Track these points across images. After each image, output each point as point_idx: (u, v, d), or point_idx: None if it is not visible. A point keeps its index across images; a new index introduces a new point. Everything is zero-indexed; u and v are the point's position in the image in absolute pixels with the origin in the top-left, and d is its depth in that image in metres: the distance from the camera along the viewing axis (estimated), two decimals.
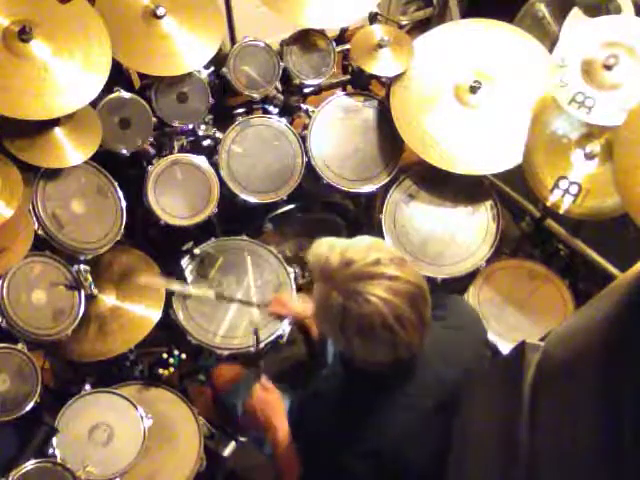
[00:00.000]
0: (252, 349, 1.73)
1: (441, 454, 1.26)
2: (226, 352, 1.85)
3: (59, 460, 1.55)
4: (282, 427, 1.42)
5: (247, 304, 1.89)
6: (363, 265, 1.10)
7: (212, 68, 1.95)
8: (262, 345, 1.74)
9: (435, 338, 1.22)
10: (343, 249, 1.14)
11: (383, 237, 1.99)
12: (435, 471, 1.25)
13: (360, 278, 1.09)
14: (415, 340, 1.14)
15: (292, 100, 2.13)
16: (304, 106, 2.15)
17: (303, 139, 2.04)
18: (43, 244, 1.63)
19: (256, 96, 2.02)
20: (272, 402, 1.48)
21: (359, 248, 1.14)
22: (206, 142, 2.06)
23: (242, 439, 1.86)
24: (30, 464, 1.49)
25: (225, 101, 2.22)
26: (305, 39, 2.03)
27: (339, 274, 1.11)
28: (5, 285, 1.53)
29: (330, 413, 1.31)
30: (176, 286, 1.88)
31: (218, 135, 2.02)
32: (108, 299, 1.84)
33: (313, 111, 2.07)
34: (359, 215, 2.29)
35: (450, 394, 1.27)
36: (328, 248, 1.15)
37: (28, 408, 1.52)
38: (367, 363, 1.20)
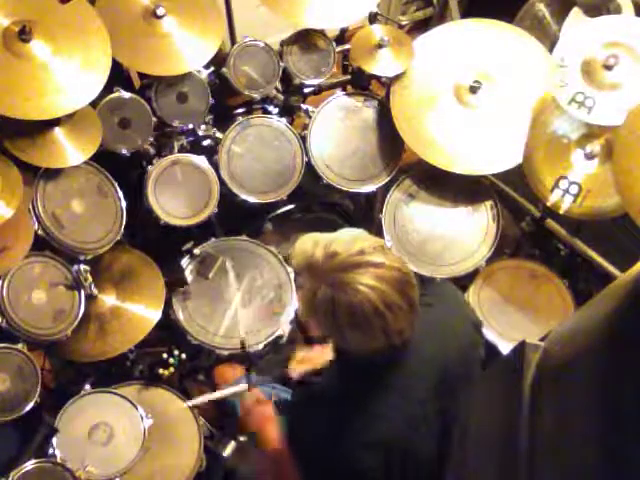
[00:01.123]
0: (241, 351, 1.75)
1: (443, 437, 1.26)
2: (226, 352, 1.85)
3: (59, 460, 1.55)
4: (274, 437, 1.44)
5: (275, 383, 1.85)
6: (348, 256, 1.11)
7: (212, 68, 1.95)
8: (250, 350, 1.75)
9: (424, 322, 1.22)
10: (327, 243, 1.14)
11: (383, 237, 1.99)
12: (438, 463, 1.26)
13: (346, 269, 1.10)
14: (406, 325, 1.15)
15: (292, 100, 2.13)
16: (304, 106, 2.14)
17: (303, 139, 2.04)
18: (43, 244, 1.63)
19: (256, 96, 2.02)
20: (263, 414, 1.49)
21: (342, 240, 1.15)
22: (206, 142, 2.06)
23: (242, 439, 1.86)
24: (30, 464, 1.49)
25: (225, 101, 2.22)
26: (305, 39, 2.03)
27: (325, 267, 1.11)
28: (5, 285, 1.53)
29: (330, 409, 1.31)
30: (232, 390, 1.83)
31: (218, 135, 2.02)
32: (108, 299, 1.84)
33: (313, 111, 2.07)
34: (359, 215, 2.29)
35: (445, 376, 1.28)
36: (312, 244, 1.16)
37: (28, 408, 1.52)
38: (361, 353, 1.20)
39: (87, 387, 1.74)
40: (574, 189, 1.78)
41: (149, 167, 1.90)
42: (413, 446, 1.25)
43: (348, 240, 1.14)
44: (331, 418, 1.29)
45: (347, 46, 2.11)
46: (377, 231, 2.03)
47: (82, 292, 1.69)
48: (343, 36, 2.21)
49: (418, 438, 1.26)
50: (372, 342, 1.15)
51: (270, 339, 1.87)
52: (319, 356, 1.67)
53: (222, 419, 1.96)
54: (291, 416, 1.49)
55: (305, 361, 1.71)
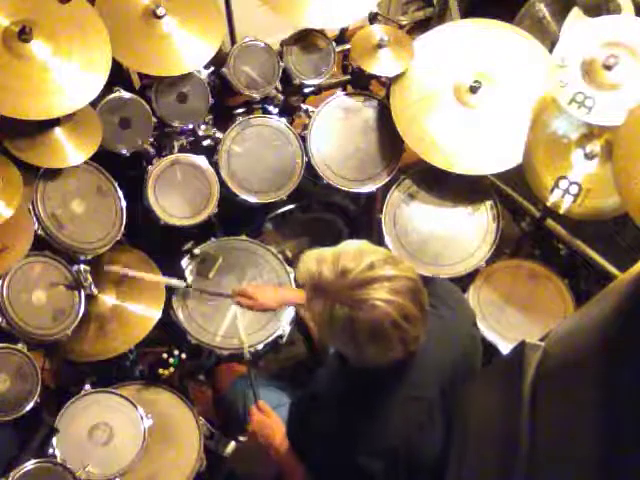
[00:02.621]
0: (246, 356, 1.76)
1: (447, 435, 1.26)
2: (226, 352, 1.85)
3: (59, 460, 1.55)
4: (282, 444, 1.43)
5: (218, 295, 1.88)
6: (360, 272, 1.09)
7: (212, 68, 1.95)
8: (248, 356, 1.75)
9: (428, 327, 1.20)
10: (334, 259, 1.11)
11: (383, 237, 1.99)
12: (441, 464, 1.26)
13: (360, 285, 1.08)
14: (421, 332, 1.15)
15: (292, 100, 2.13)
16: (304, 106, 2.15)
17: (303, 139, 2.04)
18: (43, 244, 1.63)
19: (256, 96, 2.02)
20: (270, 423, 1.48)
21: (350, 255, 1.12)
22: (206, 142, 2.06)
23: (242, 439, 1.86)
24: (30, 464, 1.49)
25: (225, 101, 2.22)
26: (305, 39, 2.03)
27: (337, 286, 1.09)
28: (5, 285, 1.53)
29: (335, 415, 1.31)
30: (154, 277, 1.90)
31: (218, 135, 2.02)
32: (108, 299, 1.84)
33: (313, 111, 2.07)
34: (359, 215, 2.30)
35: (449, 379, 1.27)
36: (317, 262, 1.13)
37: (28, 408, 1.52)
38: (376, 364, 1.20)
39: (87, 387, 1.74)
40: (574, 189, 1.78)
41: (149, 167, 1.90)
42: (419, 448, 1.25)
43: (355, 254, 1.12)
44: (337, 424, 1.29)
45: (347, 46, 2.11)
46: (377, 231, 2.03)
47: (82, 292, 1.69)
48: (343, 36, 2.21)
49: (424, 439, 1.26)
50: (390, 353, 1.14)
51: (270, 339, 1.87)
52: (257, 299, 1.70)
53: (222, 419, 1.96)
54: (294, 421, 1.49)
55: (250, 297, 1.71)
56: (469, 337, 1.38)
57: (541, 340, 0.99)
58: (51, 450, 1.57)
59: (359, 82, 2.18)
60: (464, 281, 1.97)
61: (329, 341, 1.20)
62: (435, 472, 1.29)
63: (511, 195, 2.14)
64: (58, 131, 1.61)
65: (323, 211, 2.22)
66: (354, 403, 1.27)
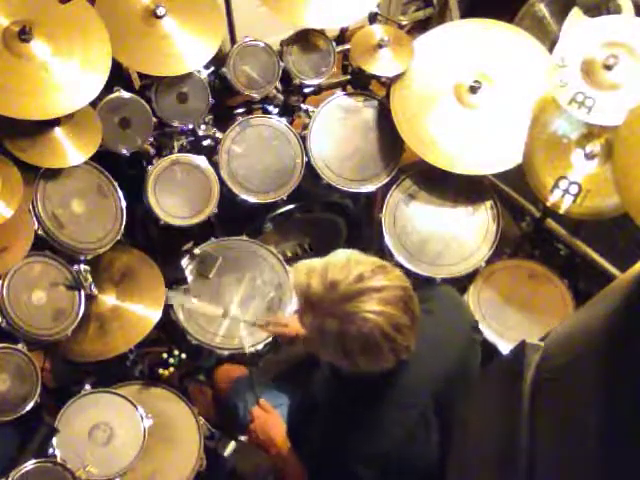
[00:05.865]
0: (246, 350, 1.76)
1: (442, 449, 1.26)
2: (226, 352, 1.85)
3: (59, 460, 1.55)
4: (283, 443, 1.43)
5: (250, 324, 1.87)
6: (348, 284, 1.08)
7: (212, 68, 1.95)
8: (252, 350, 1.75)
9: (423, 333, 1.21)
10: (322, 271, 1.11)
11: (383, 237, 1.99)
12: (438, 467, 1.26)
13: (350, 298, 1.08)
14: (412, 340, 1.15)
15: (292, 100, 2.13)
16: (304, 106, 2.14)
17: (303, 139, 2.04)
18: (43, 244, 1.63)
19: (256, 96, 2.02)
20: (271, 421, 1.48)
21: (338, 266, 1.11)
22: (206, 142, 2.06)
23: (242, 439, 1.86)
24: (30, 464, 1.48)
25: (225, 101, 2.22)
26: (305, 39, 2.03)
27: (327, 299, 1.09)
28: (5, 285, 1.53)
29: (329, 424, 1.31)
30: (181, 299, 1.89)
31: (218, 135, 2.02)
32: (108, 299, 1.84)
33: (313, 111, 2.07)
34: (359, 215, 2.29)
35: (445, 386, 1.27)
36: (306, 274, 1.13)
37: (28, 408, 1.52)
38: (368, 373, 1.20)
39: (87, 387, 1.74)
40: (574, 189, 1.78)
41: (149, 167, 1.90)
42: (412, 454, 1.25)
43: (344, 265, 1.11)
44: (331, 430, 1.29)
45: (347, 46, 2.11)
46: (377, 231, 2.03)
47: (82, 292, 1.69)
48: (343, 36, 2.21)
49: (417, 446, 1.26)
50: (382, 363, 1.15)
51: (270, 339, 1.87)
52: (292, 327, 1.65)
53: (222, 419, 1.96)
54: (293, 428, 1.49)
55: (279, 325, 1.70)
56: (467, 341, 1.37)
57: (541, 340, 0.99)
58: (51, 450, 1.57)
59: (359, 82, 2.18)
60: (464, 281, 1.97)
61: (320, 353, 1.20)
62: (432, 476, 1.29)
63: (511, 195, 2.14)
64: (58, 131, 1.61)
65: (323, 211, 2.22)
66: (347, 410, 1.27)
